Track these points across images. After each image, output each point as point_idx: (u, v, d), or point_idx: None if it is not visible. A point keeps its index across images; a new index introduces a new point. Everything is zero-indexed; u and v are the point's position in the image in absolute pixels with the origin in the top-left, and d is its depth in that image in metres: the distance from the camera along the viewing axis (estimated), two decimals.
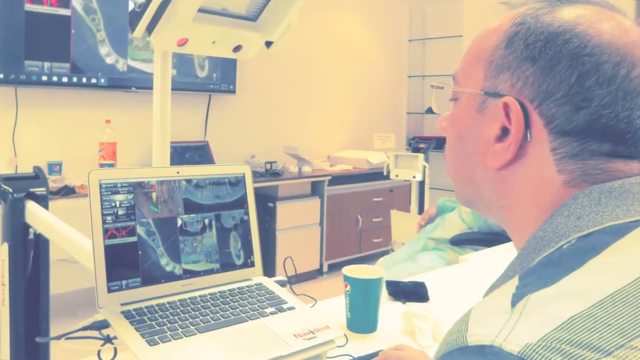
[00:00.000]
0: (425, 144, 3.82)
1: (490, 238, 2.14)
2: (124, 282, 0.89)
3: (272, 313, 0.93)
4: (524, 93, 0.51)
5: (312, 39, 4.44)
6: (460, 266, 1.67)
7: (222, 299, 0.94)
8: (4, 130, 3.06)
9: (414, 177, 3.38)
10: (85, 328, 0.83)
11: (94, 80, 3.21)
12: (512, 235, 0.56)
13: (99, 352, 0.85)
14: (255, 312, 0.92)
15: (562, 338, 0.37)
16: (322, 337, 0.88)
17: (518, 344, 0.37)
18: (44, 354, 1.11)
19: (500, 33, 0.54)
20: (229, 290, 0.97)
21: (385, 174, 3.56)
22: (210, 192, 1.00)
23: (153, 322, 0.84)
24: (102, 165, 3.14)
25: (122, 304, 0.87)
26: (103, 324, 0.84)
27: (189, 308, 0.90)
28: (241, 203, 1.04)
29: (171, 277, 0.93)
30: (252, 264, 1.04)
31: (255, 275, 1.03)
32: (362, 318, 1.12)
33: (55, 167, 3.15)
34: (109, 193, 0.90)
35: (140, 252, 0.90)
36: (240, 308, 0.92)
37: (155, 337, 0.81)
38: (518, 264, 0.49)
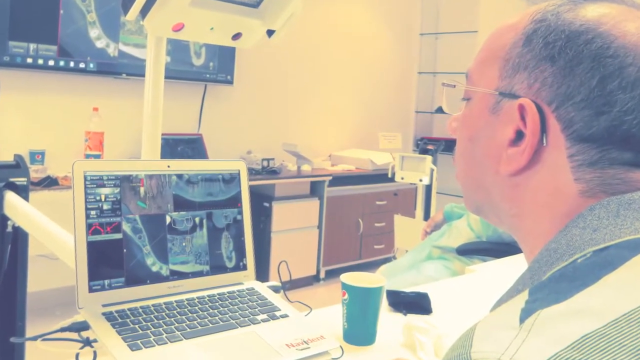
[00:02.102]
0: (433, 146, 3.83)
1: (500, 248, 2.14)
2: (106, 282, 0.89)
3: (263, 320, 0.93)
4: (541, 95, 0.51)
5: (316, 29, 4.44)
6: (467, 277, 1.67)
7: (210, 304, 0.94)
8: None
9: (421, 180, 3.39)
10: (63, 329, 0.83)
11: (82, 65, 3.21)
12: (523, 246, 0.56)
13: (77, 355, 0.85)
14: (246, 318, 0.92)
15: (572, 358, 0.37)
16: (317, 348, 0.88)
17: None
18: (18, 355, 1.11)
19: (519, 30, 0.54)
20: (218, 294, 0.97)
21: (389, 176, 3.56)
22: (202, 188, 1.00)
23: (136, 326, 0.84)
24: (87, 156, 3.14)
25: (104, 305, 0.87)
26: (83, 326, 0.84)
27: (175, 312, 0.90)
28: (235, 202, 1.04)
29: (157, 278, 0.93)
30: (244, 267, 1.04)
31: (247, 280, 1.03)
32: (359, 329, 1.12)
33: (37, 156, 3.15)
34: (94, 186, 0.90)
35: (125, 250, 0.90)
36: (230, 314, 0.92)
37: (138, 341, 0.81)
38: (528, 277, 0.49)
